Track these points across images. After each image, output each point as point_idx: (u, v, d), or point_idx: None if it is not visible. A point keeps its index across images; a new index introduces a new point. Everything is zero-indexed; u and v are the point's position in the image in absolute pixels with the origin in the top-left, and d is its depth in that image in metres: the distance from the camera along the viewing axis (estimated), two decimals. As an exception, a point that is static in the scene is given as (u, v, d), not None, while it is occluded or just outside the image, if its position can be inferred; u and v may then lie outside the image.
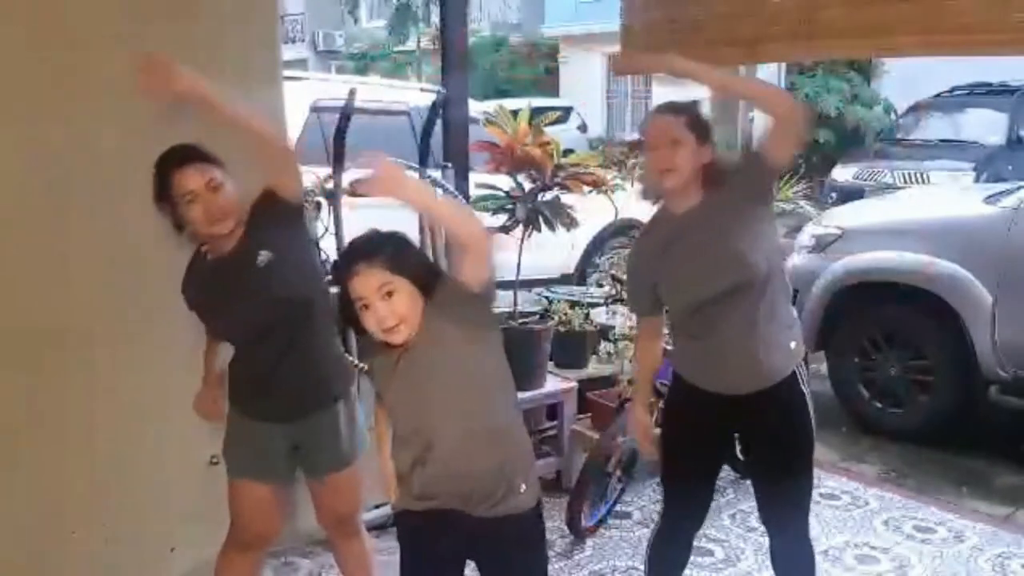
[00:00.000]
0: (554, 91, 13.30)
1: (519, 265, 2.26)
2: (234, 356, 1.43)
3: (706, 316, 1.33)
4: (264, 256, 1.32)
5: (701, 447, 1.43)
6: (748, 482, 2.23)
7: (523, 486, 1.13)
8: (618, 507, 2.21)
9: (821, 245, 3.01)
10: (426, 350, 1.09)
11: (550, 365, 2.34)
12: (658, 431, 1.50)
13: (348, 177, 2.04)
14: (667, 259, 1.35)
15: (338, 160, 1.99)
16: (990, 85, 6.48)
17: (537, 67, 14.53)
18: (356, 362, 1.57)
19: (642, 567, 1.55)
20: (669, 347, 2.18)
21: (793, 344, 1.37)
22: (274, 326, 1.36)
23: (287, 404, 1.40)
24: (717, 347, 1.33)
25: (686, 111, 1.32)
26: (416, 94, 4.02)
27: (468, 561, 1.20)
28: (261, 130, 1.31)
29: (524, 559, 1.18)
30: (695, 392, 1.38)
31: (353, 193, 2.08)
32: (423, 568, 1.18)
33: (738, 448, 1.70)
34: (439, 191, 2.19)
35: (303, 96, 3.39)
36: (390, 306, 1.06)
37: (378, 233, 1.11)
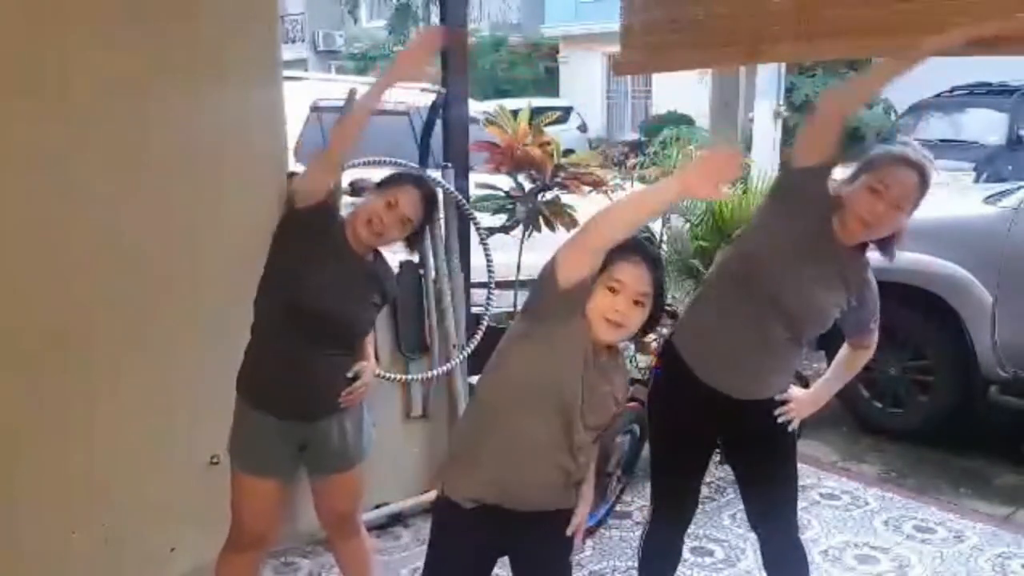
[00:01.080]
0: (554, 91, 13.31)
1: (519, 265, 2.27)
2: (266, 347, 1.40)
3: (761, 319, 1.32)
4: (372, 264, 1.42)
5: (690, 447, 1.43)
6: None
7: (565, 483, 1.15)
8: (618, 507, 2.21)
9: (821, 245, 3.02)
10: (602, 365, 1.12)
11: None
12: None
13: (348, 177, 2.04)
14: (799, 245, 1.30)
15: (338, 160, 1.98)
16: (990, 85, 6.48)
17: (537, 67, 14.54)
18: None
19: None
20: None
21: (792, 374, 1.44)
22: (346, 333, 1.41)
23: (308, 406, 1.40)
24: (740, 348, 1.34)
25: (927, 177, 1.28)
26: (416, 94, 4.00)
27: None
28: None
29: (559, 554, 1.19)
30: (690, 385, 1.37)
31: (353, 193, 2.09)
32: (455, 563, 1.17)
33: (720, 454, 1.69)
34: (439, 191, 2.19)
35: (303, 96, 3.39)
36: (634, 310, 1.09)
37: (659, 252, 1.17)
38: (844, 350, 1.48)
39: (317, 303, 1.35)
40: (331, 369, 1.41)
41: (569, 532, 1.16)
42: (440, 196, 2.19)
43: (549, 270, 1.06)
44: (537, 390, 1.09)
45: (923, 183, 1.29)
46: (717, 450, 1.55)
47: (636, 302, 1.08)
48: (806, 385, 1.50)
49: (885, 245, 1.35)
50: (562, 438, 1.11)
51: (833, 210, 1.32)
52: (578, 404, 1.10)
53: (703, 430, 1.42)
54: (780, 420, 1.39)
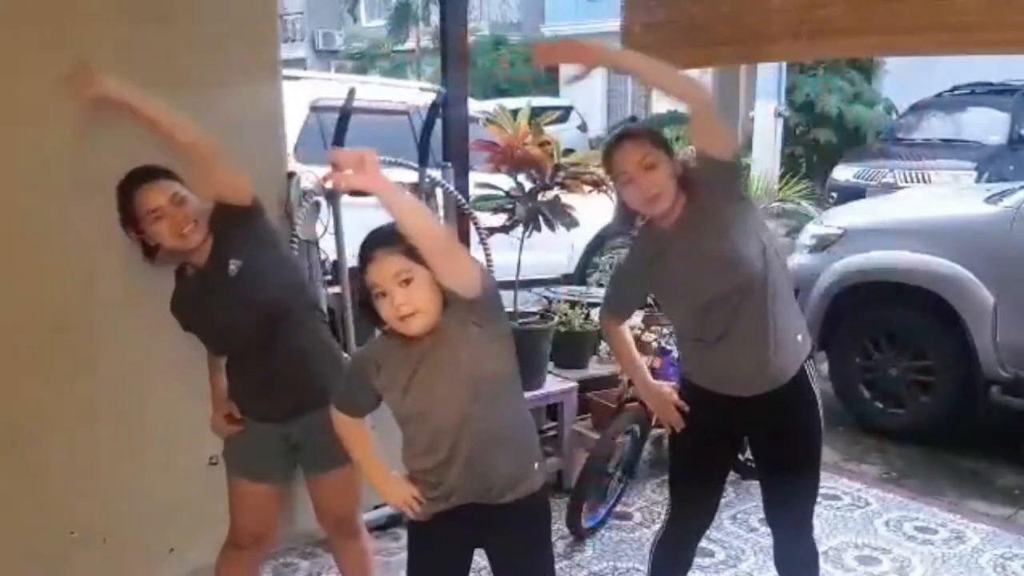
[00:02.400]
0: (554, 90, 13.29)
1: (519, 265, 2.26)
2: (227, 362, 1.44)
3: (713, 319, 1.32)
4: (234, 265, 1.33)
5: (712, 451, 1.42)
6: (748, 483, 2.25)
7: (535, 465, 1.15)
8: (619, 508, 2.20)
9: (822, 245, 3.00)
10: (447, 351, 1.08)
11: (550, 365, 2.33)
12: (670, 393, 1.45)
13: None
14: (664, 271, 1.35)
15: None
16: (991, 84, 6.47)
17: (537, 67, 14.49)
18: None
19: (643, 568, 1.55)
20: (667, 347, 2.19)
21: (799, 336, 1.37)
22: (256, 331, 1.36)
23: (282, 406, 1.40)
24: (727, 349, 1.32)
25: (647, 133, 1.32)
26: (416, 93, 4.01)
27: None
28: (183, 133, 1.30)
29: (533, 539, 1.18)
30: (706, 396, 1.38)
31: (353, 192, 2.08)
32: (434, 562, 1.17)
33: (748, 450, 1.68)
34: (438, 191, 2.19)
35: (302, 95, 3.38)
36: (407, 293, 1.04)
37: (393, 225, 1.08)
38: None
39: (200, 324, 1.37)
40: (284, 367, 1.37)
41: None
42: (439, 195, 2.20)
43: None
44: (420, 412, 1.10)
45: (639, 136, 1.30)
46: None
47: (400, 283, 1.04)
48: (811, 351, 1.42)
49: (690, 182, 1.30)
50: (476, 424, 1.09)
51: (633, 220, 1.37)
52: (467, 387, 1.08)
53: (727, 436, 1.42)
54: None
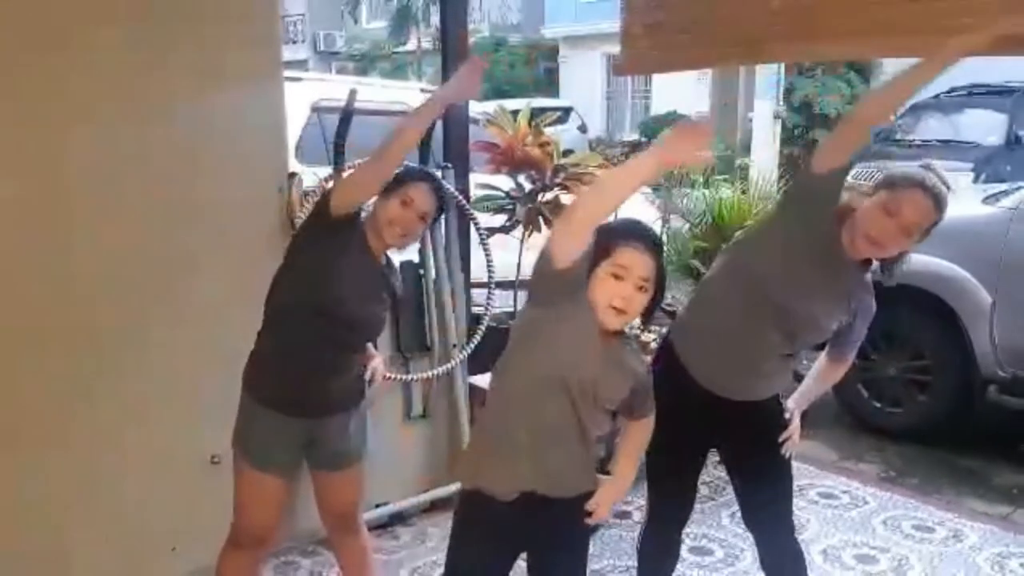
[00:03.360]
0: (554, 91, 13.30)
1: (519, 265, 2.27)
2: (284, 347, 1.39)
3: (762, 323, 1.32)
4: (386, 266, 1.45)
5: (686, 445, 1.43)
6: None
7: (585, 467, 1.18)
8: (618, 506, 2.21)
9: (820, 245, 3.02)
10: (612, 347, 1.12)
11: (550, 365, 2.34)
12: None
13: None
14: (815, 272, 1.30)
15: (338, 160, 1.99)
16: (989, 85, 6.48)
17: (537, 67, 14.53)
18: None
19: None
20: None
21: (790, 376, 1.44)
22: (367, 335, 1.44)
23: (321, 403, 1.42)
24: (738, 351, 1.34)
25: (940, 200, 1.28)
26: (416, 94, 4.01)
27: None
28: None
29: (578, 542, 1.20)
30: (686, 387, 1.38)
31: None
32: (485, 554, 1.17)
33: (717, 456, 1.69)
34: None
35: (304, 96, 3.39)
36: (637, 296, 1.09)
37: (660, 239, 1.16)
38: (822, 361, 1.47)
39: (345, 307, 1.37)
40: (345, 368, 1.43)
41: (590, 507, 1.17)
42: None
43: (545, 255, 1.07)
44: (554, 375, 1.10)
45: (938, 210, 1.29)
46: (714, 449, 1.55)
47: (639, 287, 1.08)
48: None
49: (887, 265, 1.35)
50: (578, 419, 1.12)
51: (842, 221, 1.31)
52: (591, 385, 1.11)
53: (699, 430, 1.43)
54: (783, 453, 1.40)
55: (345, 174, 1.42)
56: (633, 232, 1.12)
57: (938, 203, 1.29)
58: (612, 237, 1.10)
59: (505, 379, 1.16)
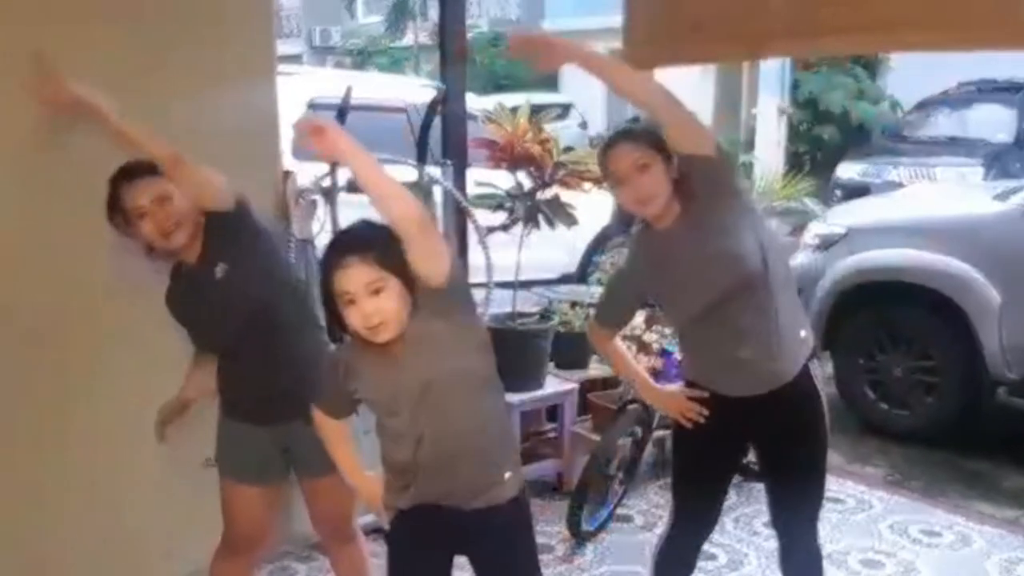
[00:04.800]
0: (554, 87, 13.24)
1: (518, 264, 2.23)
2: (217, 364, 1.42)
3: (714, 320, 1.30)
4: (221, 269, 1.32)
5: (716, 454, 1.40)
6: (751, 486, 2.23)
7: (507, 475, 1.12)
8: (620, 510, 2.18)
9: (826, 244, 2.97)
10: (414, 350, 1.06)
11: (550, 366, 2.31)
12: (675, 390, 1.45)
13: (345, 174, 2.01)
14: (663, 274, 1.33)
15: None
16: (997, 82, 6.42)
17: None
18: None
19: (644, 571, 1.53)
20: (669, 347, 2.16)
21: (803, 332, 1.34)
22: (243, 335, 1.35)
23: (271, 408, 1.39)
24: (730, 349, 1.31)
25: (644, 134, 1.29)
26: (414, 90, 3.98)
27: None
28: (152, 146, 1.28)
29: (512, 548, 1.16)
30: (711, 398, 1.36)
31: (351, 190, 2.06)
32: (413, 565, 1.16)
33: (752, 453, 1.66)
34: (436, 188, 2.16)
35: (299, 92, 3.36)
36: (377, 303, 1.02)
37: (370, 225, 1.05)
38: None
39: (195, 335, 1.38)
40: (271, 371, 1.37)
41: None
42: (438, 194, 2.17)
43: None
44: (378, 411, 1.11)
45: (637, 137, 1.28)
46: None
47: (374, 292, 1.01)
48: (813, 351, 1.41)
49: (686, 185, 1.28)
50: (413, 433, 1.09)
51: (630, 221, 1.36)
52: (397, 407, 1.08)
53: (732, 439, 1.41)
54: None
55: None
56: (329, 255, 1.05)
57: (628, 135, 1.30)
58: (325, 272, 1.04)
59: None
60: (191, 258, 1.35)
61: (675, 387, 1.45)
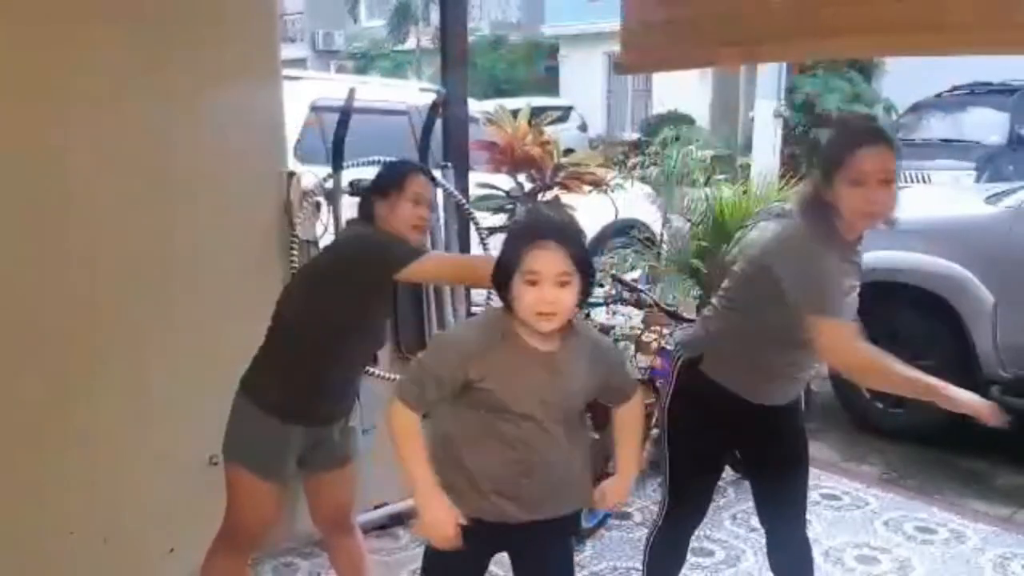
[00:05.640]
0: (554, 90, 13.29)
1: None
2: (303, 359, 1.38)
3: (806, 353, 1.31)
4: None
5: (711, 449, 1.43)
6: (748, 482, 2.25)
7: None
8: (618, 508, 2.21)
9: (822, 245, 3.01)
10: (573, 357, 1.09)
11: (550, 365, 2.34)
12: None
13: (348, 176, 2.04)
14: (845, 284, 1.30)
15: (337, 160, 1.99)
16: (991, 84, 6.47)
17: (537, 66, 14.52)
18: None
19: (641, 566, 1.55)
20: (668, 347, 2.18)
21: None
22: (378, 347, 1.49)
23: (337, 411, 1.45)
24: (798, 369, 1.35)
25: (898, 147, 1.27)
26: (416, 93, 4.01)
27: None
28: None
29: (555, 548, 1.19)
30: (715, 397, 1.37)
31: (353, 193, 2.09)
32: (455, 563, 1.15)
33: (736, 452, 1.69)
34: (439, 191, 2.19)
35: (302, 95, 3.39)
36: (558, 293, 1.04)
37: (575, 223, 1.12)
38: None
39: (382, 331, 1.45)
40: (357, 381, 1.48)
41: (595, 498, 1.18)
42: (439, 196, 2.20)
43: None
44: (499, 411, 1.08)
45: (894, 147, 1.28)
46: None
47: (561, 284, 1.04)
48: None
49: (888, 220, 1.32)
50: (551, 436, 1.11)
51: (826, 217, 1.28)
52: (542, 403, 1.09)
53: (726, 437, 1.43)
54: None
55: (426, 261, 1.34)
56: (539, 232, 1.06)
57: (887, 140, 1.28)
58: (517, 243, 1.06)
59: (449, 423, 1.12)
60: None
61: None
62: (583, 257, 1.06)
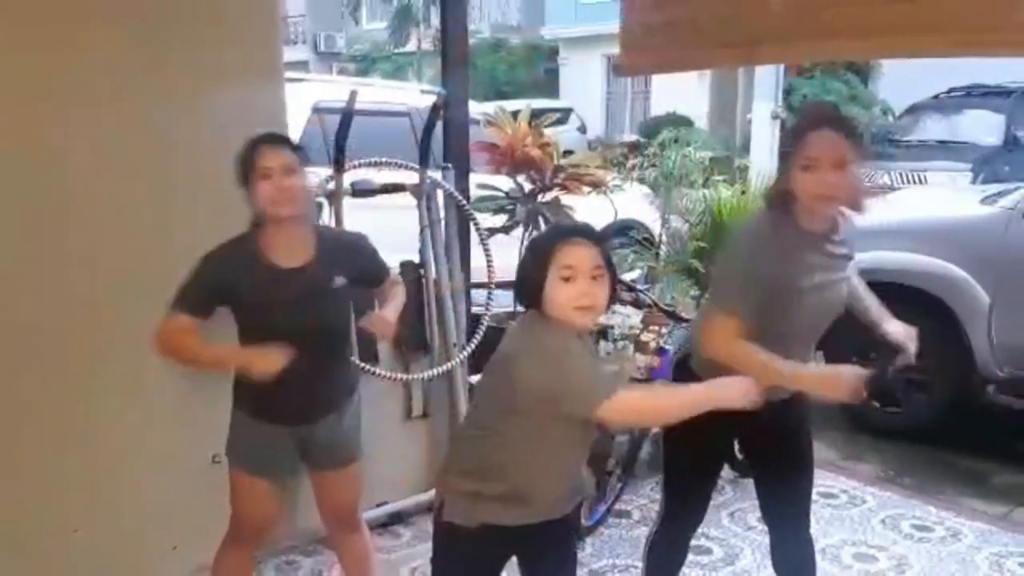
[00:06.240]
0: (554, 92, 13.31)
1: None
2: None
3: (788, 341, 1.28)
4: (340, 281, 1.39)
5: (710, 450, 1.43)
6: (746, 481, 2.26)
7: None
8: (618, 505, 2.21)
9: (819, 245, 3.02)
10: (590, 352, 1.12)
11: (550, 365, 2.35)
12: None
13: (349, 178, 2.05)
14: (804, 277, 1.26)
15: (339, 161, 2.00)
16: (987, 86, 6.50)
17: (537, 68, 14.55)
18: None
19: (641, 565, 1.56)
20: (667, 347, 2.20)
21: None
22: (320, 343, 1.40)
23: (305, 409, 1.43)
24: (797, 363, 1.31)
25: (851, 129, 1.24)
26: (416, 95, 4.02)
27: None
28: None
29: (561, 547, 1.20)
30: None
31: (355, 194, 2.10)
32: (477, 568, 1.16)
33: (737, 448, 1.70)
34: (439, 192, 2.20)
35: (304, 97, 3.40)
36: (594, 287, 1.06)
37: (598, 229, 1.13)
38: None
39: (270, 328, 1.35)
40: (325, 375, 1.43)
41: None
42: (440, 197, 2.21)
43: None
44: (550, 408, 1.07)
45: (844, 130, 1.23)
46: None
47: (593, 278, 1.06)
48: None
49: (853, 205, 1.27)
50: (582, 436, 1.13)
51: (789, 207, 1.25)
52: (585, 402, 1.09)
53: (727, 436, 1.43)
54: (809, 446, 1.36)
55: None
56: (567, 231, 1.12)
57: (838, 123, 1.24)
58: (549, 242, 1.09)
59: (494, 418, 1.11)
60: (293, 256, 1.37)
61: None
62: (609, 257, 1.10)
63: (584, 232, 1.10)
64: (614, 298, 1.12)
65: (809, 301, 1.28)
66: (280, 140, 1.41)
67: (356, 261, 1.44)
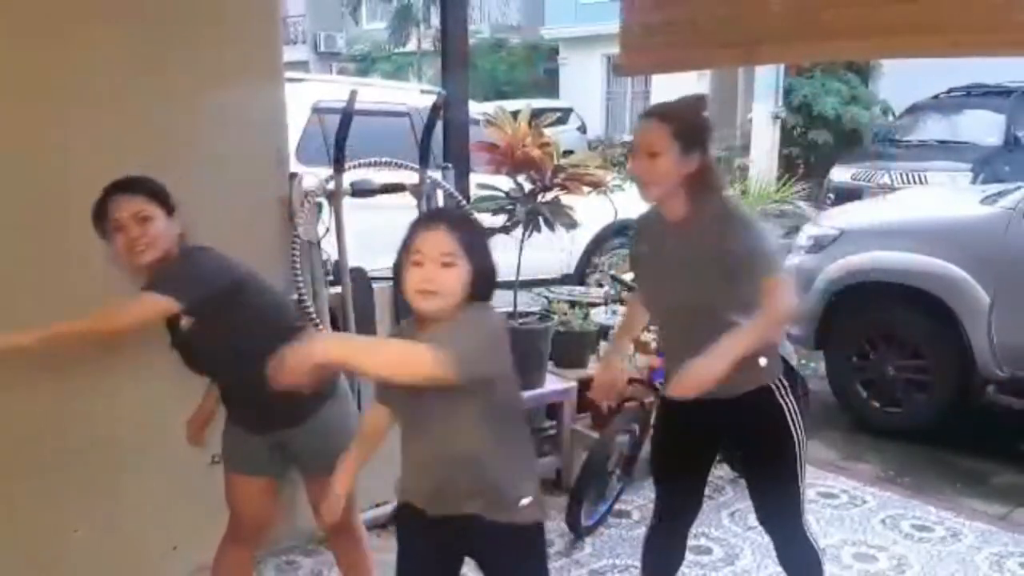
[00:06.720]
0: (554, 92, 13.33)
1: (519, 265, 2.27)
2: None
3: (672, 328, 1.38)
4: (186, 321, 1.35)
5: (687, 446, 1.44)
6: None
7: (523, 500, 1.12)
8: (618, 506, 2.21)
9: (819, 245, 3.02)
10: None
11: (550, 365, 2.34)
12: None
13: (349, 178, 2.05)
14: (655, 264, 1.38)
15: (339, 161, 2.00)
16: (987, 86, 6.51)
17: (537, 68, 14.56)
18: None
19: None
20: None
21: (763, 361, 1.32)
22: (223, 372, 1.40)
23: (261, 421, 1.43)
24: (679, 356, 1.30)
25: (675, 119, 1.28)
26: (416, 95, 4.03)
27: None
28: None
29: (523, 562, 1.16)
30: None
31: (355, 194, 2.10)
32: (419, 563, 1.17)
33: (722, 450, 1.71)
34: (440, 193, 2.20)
35: (304, 97, 3.40)
36: (441, 273, 1.04)
37: (471, 214, 1.12)
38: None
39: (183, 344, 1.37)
40: (263, 395, 1.29)
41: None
42: (440, 197, 2.21)
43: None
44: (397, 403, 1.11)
45: (666, 119, 1.29)
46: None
47: (444, 264, 1.04)
48: (791, 371, 1.40)
49: (711, 186, 1.30)
50: (441, 432, 1.09)
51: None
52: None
53: (702, 429, 1.43)
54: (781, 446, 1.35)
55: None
56: (427, 216, 1.12)
57: (660, 114, 1.31)
58: (410, 228, 1.08)
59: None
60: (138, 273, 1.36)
61: (621, 374, 1.53)
62: (473, 243, 1.05)
63: (443, 218, 1.09)
64: (491, 287, 1.07)
65: (665, 283, 1.36)
66: (131, 186, 1.34)
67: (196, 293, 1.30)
